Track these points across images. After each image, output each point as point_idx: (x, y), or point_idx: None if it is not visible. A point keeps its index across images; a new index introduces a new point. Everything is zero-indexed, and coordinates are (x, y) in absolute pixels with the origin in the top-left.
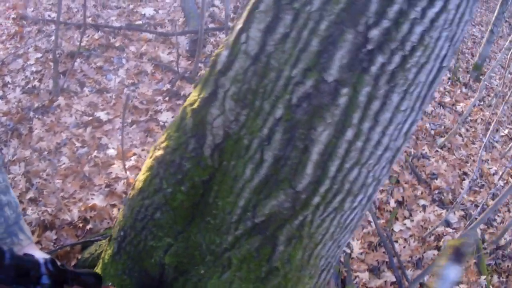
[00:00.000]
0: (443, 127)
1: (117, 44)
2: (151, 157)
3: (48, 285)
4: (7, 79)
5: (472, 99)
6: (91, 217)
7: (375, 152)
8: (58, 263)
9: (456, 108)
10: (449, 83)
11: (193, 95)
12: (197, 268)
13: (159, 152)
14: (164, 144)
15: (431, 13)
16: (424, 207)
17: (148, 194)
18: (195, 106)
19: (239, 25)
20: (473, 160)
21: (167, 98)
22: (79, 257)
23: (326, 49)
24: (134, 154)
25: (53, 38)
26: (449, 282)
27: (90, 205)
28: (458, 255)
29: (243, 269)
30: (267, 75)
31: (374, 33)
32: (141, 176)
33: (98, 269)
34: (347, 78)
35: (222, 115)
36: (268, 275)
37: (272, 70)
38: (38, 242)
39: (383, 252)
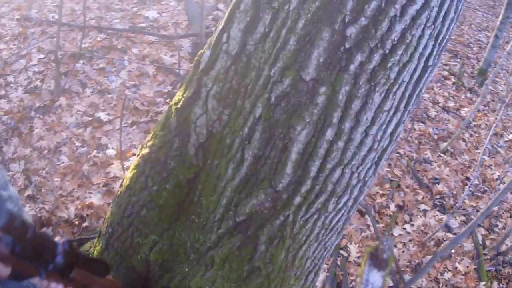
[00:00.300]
0: (446, 132)
1: (119, 46)
2: (138, 156)
3: (61, 265)
4: (10, 78)
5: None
6: (87, 215)
7: (358, 152)
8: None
9: (460, 113)
10: (454, 88)
11: (178, 94)
12: (182, 266)
13: (145, 151)
14: (150, 143)
15: (411, 10)
16: (425, 212)
17: (134, 191)
18: (179, 105)
19: (221, 25)
20: (477, 166)
21: (168, 100)
22: None
23: (304, 48)
24: (133, 154)
25: (55, 39)
26: None
27: (87, 203)
28: (378, 261)
29: (226, 268)
30: (248, 74)
31: (352, 30)
32: (129, 174)
33: None
34: (325, 77)
35: (205, 114)
36: (250, 274)
37: (253, 70)
38: None
39: None
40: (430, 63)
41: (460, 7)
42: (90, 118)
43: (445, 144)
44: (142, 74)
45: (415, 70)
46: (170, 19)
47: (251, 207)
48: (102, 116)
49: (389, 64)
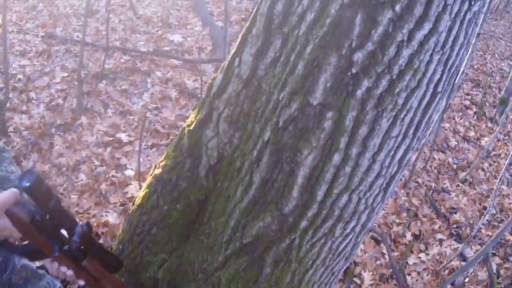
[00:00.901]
0: (466, 161)
1: (143, 69)
2: (151, 175)
3: (76, 246)
4: (32, 95)
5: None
6: (102, 233)
7: (365, 178)
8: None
9: (480, 142)
10: (475, 117)
11: (191, 116)
12: (189, 285)
13: (158, 171)
14: (163, 163)
15: (419, 35)
16: (441, 241)
17: (146, 210)
18: (191, 127)
19: (234, 49)
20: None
21: None
22: None
23: (311, 73)
24: None
25: (79, 58)
26: None
27: (103, 221)
28: None
29: None
30: (258, 98)
31: (358, 56)
32: (141, 192)
33: None
34: (332, 102)
35: (216, 137)
36: None
37: (263, 94)
38: None
39: (395, 285)
40: (439, 89)
41: (470, 32)
42: (111, 138)
43: (464, 173)
44: (165, 97)
45: (423, 96)
46: (194, 44)
47: (258, 230)
48: (123, 137)
49: (397, 90)
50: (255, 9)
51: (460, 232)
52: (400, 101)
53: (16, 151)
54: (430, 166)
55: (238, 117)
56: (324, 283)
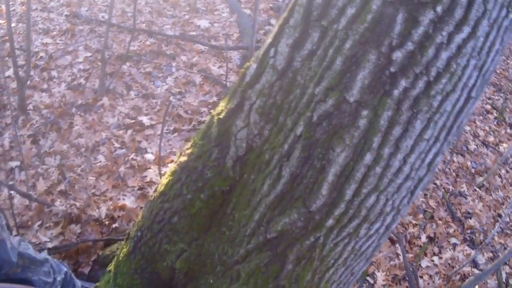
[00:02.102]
0: (484, 166)
1: (168, 52)
2: (175, 162)
3: None
4: (53, 73)
5: None
6: (118, 216)
7: (395, 180)
8: None
9: (498, 148)
10: (495, 122)
11: (221, 105)
12: (207, 277)
13: (183, 158)
14: (189, 151)
15: (458, 38)
16: (454, 245)
17: (168, 197)
18: (221, 116)
19: (269, 39)
20: (509, 203)
21: (212, 111)
22: (100, 253)
23: (349, 69)
24: (172, 161)
25: (103, 39)
26: None
27: (119, 204)
28: None
29: (250, 284)
30: (292, 91)
31: (398, 55)
32: (164, 179)
33: (112, 266)
34: (369, 100)
35: (246, 128)
36: None
37: (298, 87)
38: (61, 234)
39: (406, 287)
40: (473, 94)
41: (505, 39)
42: (132, 121)
43: (481, 178)
44: (189, 82)
45: (457, 100)
46: (221, 30)
47: (283, 225)
48: (145, 120)
49: (433, 92)
50: (293, 0)
51: (474, 237)
52: (435, 104)
53: (34, 130)
54: (449, 169)
55: (270, 109)
56: (343, 282)
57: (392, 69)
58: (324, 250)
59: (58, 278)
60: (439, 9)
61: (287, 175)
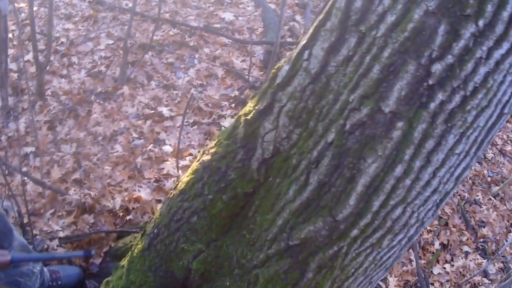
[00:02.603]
0: (500, 175)
1: (191, 44)
2: (198, 161)
3: None
4: (74, 59)
5: None
6: (133, 208)
7: (422, 192)
8: None
9: None
10: None
11: (249, 105)
12: (223, 279)
13: (206, 157)
14: (213, 150)
15: (497, 54)
16: (466, 253)
17: (188, 196)
18: (249, 117)
19: (304, 41)
20: None
21: (233, 105)
22: (112, 245)
23: (387, 78)
24: (190, 154)
25: (127, 27)
26: None
27: (135, 196)
28: None
29: None
30: (325, 96)
31: (437, 67)
32: (185, 178)
33: (125, 261)
34: (404, 111)
35: (274, 130)
36: None
37: (331, 92)
38: (73, 223)
39: None
40: (506, 110)
41: None
42: (152, 111)
43: (497, 188)
44: (211, 75)
45: (491, 116)
46: (245, 24)
47: (307, 233)
48: (164, 111)
49: (468, 107)
50: (330, 2)
51: (486, 247)
52: (470, 119)
53: (51, 116)
54: (466, 176)
55: (301, 113)
56: None
57: (431, 82)
58: (346, 259)
59: (38, 268)
60: (481, 23)
61: (315, 182)
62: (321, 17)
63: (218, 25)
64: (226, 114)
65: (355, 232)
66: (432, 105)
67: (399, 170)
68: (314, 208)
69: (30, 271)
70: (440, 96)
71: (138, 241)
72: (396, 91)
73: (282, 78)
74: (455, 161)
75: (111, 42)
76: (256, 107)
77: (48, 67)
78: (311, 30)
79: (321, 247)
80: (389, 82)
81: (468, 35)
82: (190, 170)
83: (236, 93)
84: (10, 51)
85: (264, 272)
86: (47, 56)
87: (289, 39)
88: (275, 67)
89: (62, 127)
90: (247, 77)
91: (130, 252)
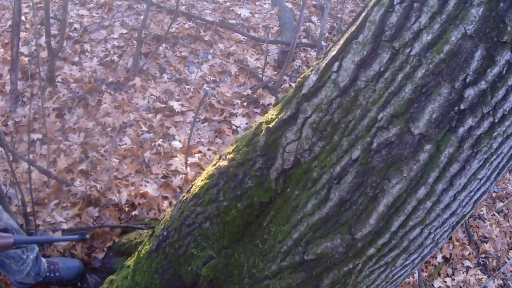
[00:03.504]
0: (505, 192)
1: (206, 38)
2: (214, 165)
3: None
4: (86, 47)
5: None
6: (139, 203)
7: (441, 215)
8: None
9: None
10: None
11: (272, 113)
12: None
13: (223, 163)
14: (230, 156)
15: None
16: (468, 268)
17: (202, 201)
18: (271, 125)
19: (333, 51)
20: None
21: (245, 104)
22: (116, 240)
23: (418, 99)
24: (199, 151)
25: (142, 17)
26: None
27: (141, 191)
28: None
29: None
30: (352, 111)
31: (470, 92)
32: (199, 182)
33: (131, 261)
34: (433, 134)
35: (297, 141)
36: None
37: (359, 107)
38: (77, 215)
39: None
40: None
41: None
42: (163, 105)
43: (501, 204)
44: (224, 72)
45: None
46: (261, 21)
47: (324, 249)
48: (175, 105)
49: (495, 134)
50: (364, 14)
51: (487, 263)
52: (495, 145)
53: (60, 103)
54: None
55: (326, 126)
56: None
57: (462, 106)
58: (360, 276)
59: (31, 257)
60: None
61: (336, 198)
62: (353, 28)
63: (234, 21)
64: (237, 113)
65: (371, 250)
66: (461, 130)
67: (421, 192)
68: (333, 225)
69: (18, 255)
70: (469, 121)
71: (145, 241)
72: (427, 113)
73: (309, 89)
74: (476, 185)
75: (125, 31)
76: (279, 116)
77: (60, 53)
78: (341, 41)
79: (336, 264)
80: (421, 103)
81: (503, 62)
82: (205, 175)
83: (249, 91)
84: (22, 34)
85: (276, 284)
86: (60, 41)
87: (304, 40)
88: (302, 76)
89: (71, 115)
90: (260, 76)
91: (136, 253)
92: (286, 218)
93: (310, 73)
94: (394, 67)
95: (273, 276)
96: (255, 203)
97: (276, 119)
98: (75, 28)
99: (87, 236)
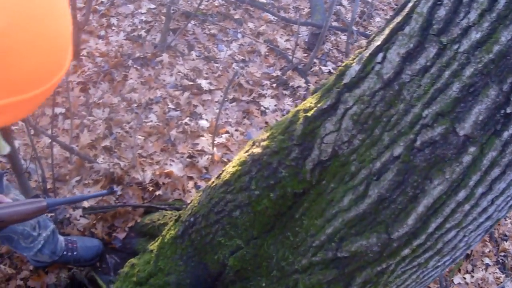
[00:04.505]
0: None
1: (236, 17)
2: (246, 152)
3: None
4: (113, 21)
5: None
6: (163, 183)
7: (478, 218)
8: None
9: None
10: None
11: (310, 101)
12: (259, 280)
13: (257, 150)
14: (265, 143)
15: None
16: (487, 266)
17: (233, 189)
18: (309, 114)
19: (377, 41)
20: None
21: (274, 85)
22: (138, 220)
23: (465, 98)
24: (227, 132)
25: None
26: None
27: (166, 171)
28: None
29: None
30: (395, 105)
31: None
32: (231, 168)
33: (154, 245)
34: (478, 137)
35: (336, 132)
36: None
37: (402, 102)
38: None
39: None
40: None
41: None
42: (190, 83)
43: None
44: (253, 51)
45: None
46: (292, 2)
47: (358, 247)
48: (203, 83)
49: None
50: (410, 4)
51: (506, 261)
52: None
53: (85, 77)
54: None
55: (367, 119)
56: None
57: (508, 110)
58: (391, 276)
59: (43, 234)
60: None
61: (375, 195)
62: (399, 19)
63: (264, 0)
64: (266, 94)
65: (406, 251)
66: (506, 134)
67: (461, 195)
68: (370, 222)
69: (26, 231)
70: None
71: (170, 226)
72: (474, 115)
73: (351, 79)
74: None
75: (153, 6)
76: (319, 105)
77: (85, 27)
78: (386, 31)
79: (370, 263)
80: (467, 104)
81: None
82: (236, 161)
83: (278, 72)
84: None
85: (305, 279)
86: (86, 15)
87: (334, 24)
88: (343, 64)
89: (96, 90)
90: (290, 57)
91: (160, 237)
92: (320, 212)
93: (352, 62)
94: (441, 63)
95: (303, 271)
96: (288, 193)
97: (315, 108)
98: (102, 2)
99: (116, 189)
